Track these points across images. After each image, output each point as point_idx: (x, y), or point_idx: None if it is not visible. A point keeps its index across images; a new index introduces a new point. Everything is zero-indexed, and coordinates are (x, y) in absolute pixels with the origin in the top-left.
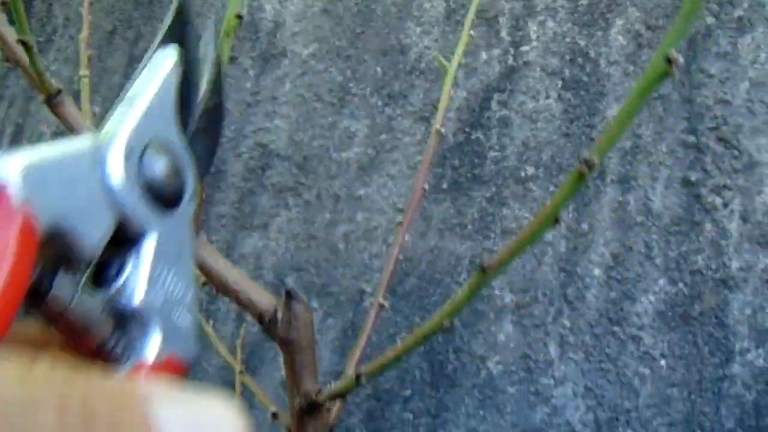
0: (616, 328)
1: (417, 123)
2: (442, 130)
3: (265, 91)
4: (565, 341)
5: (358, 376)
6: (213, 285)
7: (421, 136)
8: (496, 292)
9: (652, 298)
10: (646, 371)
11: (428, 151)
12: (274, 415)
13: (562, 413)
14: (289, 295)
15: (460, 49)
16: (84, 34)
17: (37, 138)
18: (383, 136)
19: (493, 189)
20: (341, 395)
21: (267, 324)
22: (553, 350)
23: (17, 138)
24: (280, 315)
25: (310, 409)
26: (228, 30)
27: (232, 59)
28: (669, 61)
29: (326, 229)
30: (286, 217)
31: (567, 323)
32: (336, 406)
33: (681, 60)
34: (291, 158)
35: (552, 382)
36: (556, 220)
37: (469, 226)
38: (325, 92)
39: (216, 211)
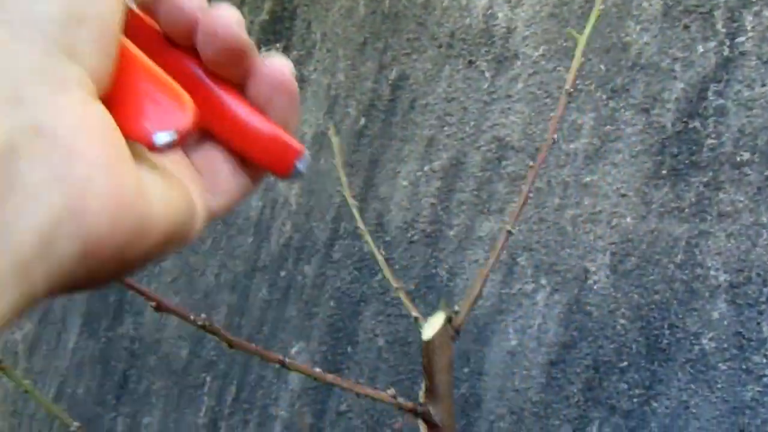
0: None
1: (638, 114)
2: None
3: (500, 91)
4: None
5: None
6: None
7: (642, 127)
8: (711, 272)
9: None
10: None
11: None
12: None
13: None
14: None
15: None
16: None
17: (300, 138)
18: (607, 128)
19: (710, 174)
20: None
21: None
22: (766, 329)
23: None
24: None
25: None
26: None
27: (470, 63)
28: None
29: (555, 213)
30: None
31: None
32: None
33: None
34: (524, 149)
35: (764, 360)
36: None
37: (687, 210)
38: (554, 89)
39: (457, 198)
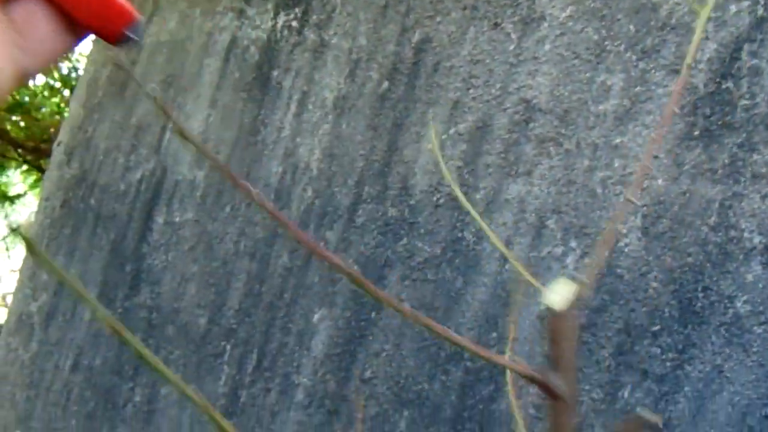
0: None
1: (669, 75)
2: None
3: (526, 53)
4: None
5: None
6: None
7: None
8: (746, 234)
9: None
10: None
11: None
12: None
13: None
14: None
15: None
16: None
17: (321, 102)
18: (638, 89)
19: (744, 135)
20: None
21: None
22: None
23: (303, 103)
24: None
25: None
26: None
27: (496, 25)
28: None
29: (585, 175)
30: (548, 165)
31: None
32: None
33: None
34: (552, 111)
35: None
36: None
37: (720, 171)
38: (582, 50)
39: (483, 161)
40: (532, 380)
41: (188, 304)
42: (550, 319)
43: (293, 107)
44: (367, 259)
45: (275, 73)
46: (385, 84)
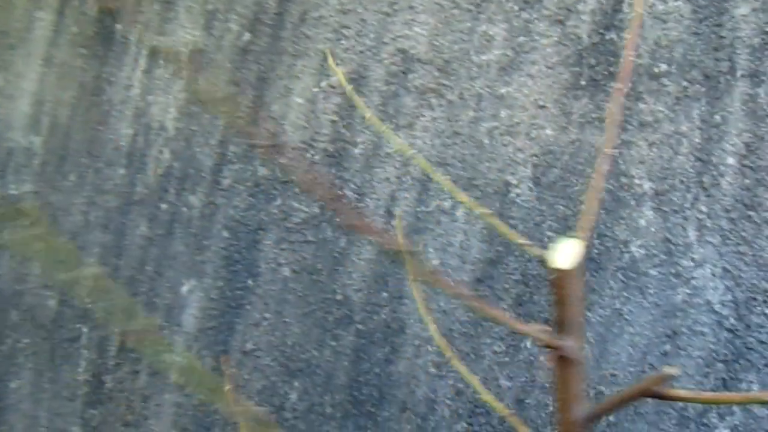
0: (751, 213)
1: (553, 26)
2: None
3: (402, 2)
4: (703, 225)
5: None
6: None
7: (558, 38)
8: (636, 181)
9: None
10: None
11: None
12: None
13: (702, 294)
14: None
15: None
16: None
17: (174, 57)
18: (521, 39)
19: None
20: None
21: None
22: (691, 234)
23: (153, 58)
24: None
25: None
26: None
27: None
28: None
29: (470, 126)
30: (431, 117)
31: (704, 209)
32: None
33: None
34: (432, 62)
35: (692, 264)
36: None
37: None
38: (461, 0)
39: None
40: (545, 345)
41: (34, 285)
42: (556, 279)
43: (142, 63)
44: (238, 224)
45: (119, 26)
46: (247, 36)
